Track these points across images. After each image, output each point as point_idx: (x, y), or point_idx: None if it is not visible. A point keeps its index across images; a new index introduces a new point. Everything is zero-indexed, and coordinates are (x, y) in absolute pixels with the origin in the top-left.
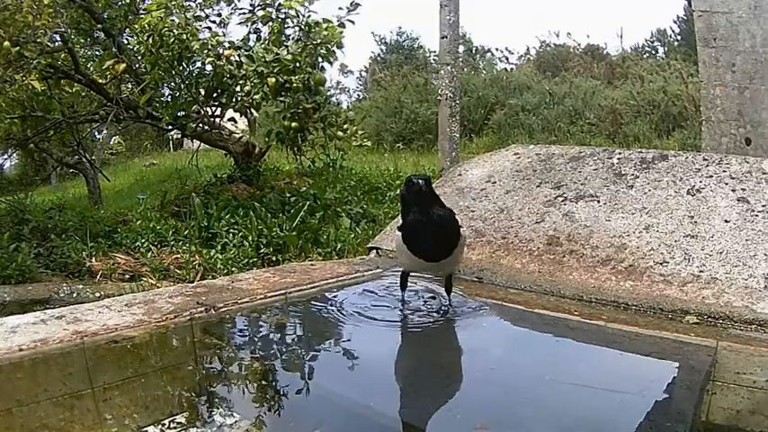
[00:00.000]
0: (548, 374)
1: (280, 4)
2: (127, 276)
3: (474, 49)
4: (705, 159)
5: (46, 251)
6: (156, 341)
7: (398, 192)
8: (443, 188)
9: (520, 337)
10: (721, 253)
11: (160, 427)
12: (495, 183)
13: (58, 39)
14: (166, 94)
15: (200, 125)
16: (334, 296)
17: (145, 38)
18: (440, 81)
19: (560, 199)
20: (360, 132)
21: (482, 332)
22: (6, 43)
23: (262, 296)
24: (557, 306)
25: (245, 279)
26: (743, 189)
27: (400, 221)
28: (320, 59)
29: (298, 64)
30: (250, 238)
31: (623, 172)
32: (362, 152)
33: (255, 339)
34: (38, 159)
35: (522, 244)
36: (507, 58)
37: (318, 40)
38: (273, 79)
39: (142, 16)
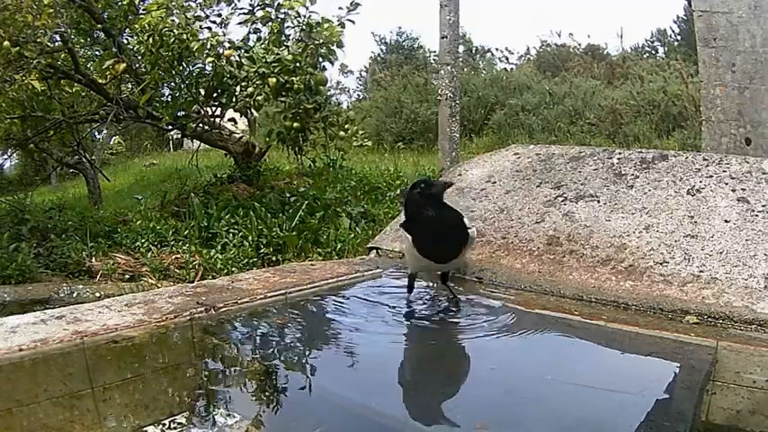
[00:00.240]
0: (548, 374)
1: (279, 5)
2: (127, 276)
3: (474, 49)
4: (705, 159)
5: (46, 251)
6: (156, 341)
7: (400, 192)
8: None
9: (520, 337)
10: (721, 253)
11: (160, 427)
12: (495, 183)
13: (58, 39)
14: (166, 94)
15: (200, 125)
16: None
17: (145, 38)
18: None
19: (560, 199)
20: (360, 132)
21: (482, 332)
22: (6, 43)
23: (262, 296)
24: (557, 306)
25: (245, 279)
26: (743, 189)
27: (400, 221)
28: (321, 59)
29: (298, 64)
30: (250, 238)
31: (623, 172)
32: (362, 152)
33: (255, 339)
34: (38, 159)
35: (522, 244)
36: (507, 58)
37: (320, 40)
38: (274, 80)
39: (142, 16)
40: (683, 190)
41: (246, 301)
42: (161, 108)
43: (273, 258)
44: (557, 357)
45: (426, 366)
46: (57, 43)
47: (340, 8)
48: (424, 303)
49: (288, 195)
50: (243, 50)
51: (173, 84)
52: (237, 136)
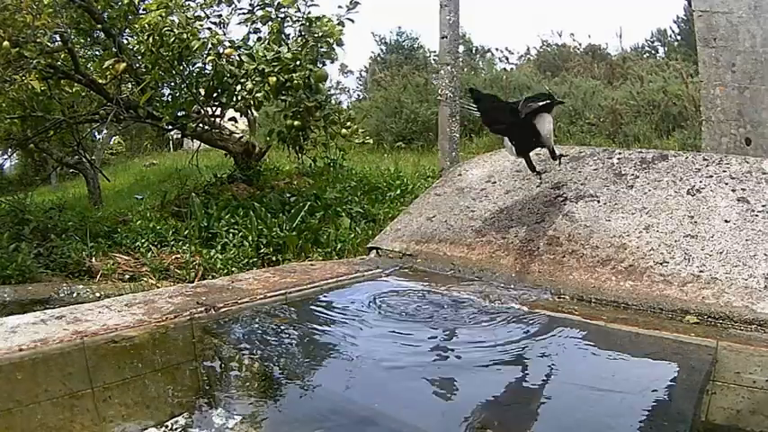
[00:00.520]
0: (548, 374)
1: (279, 4)
2: (127, 276)
3: (474, 49)
4: (705, 159)
5: (46, 251)
6: (156, 341)
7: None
8: (443, 188)
9: (520, 336)
10: (721, 253)
11: (160, 427)
12: (495, 183)
13: (58, 39)
14: (166, 94)
15: (201, 125)
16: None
17: (145, 37)
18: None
19: (560, 199)
20: (361, 131)
21: (482, 333)
22: (6, 43)
23: (262, 296)
24: (557, 306)
25: (245, 279)
26: (743, 189)
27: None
28: (321, 57)
29: (298, 62)
30: (250, 238)
31: (623, 172)
32: (363, 152)
33: (255, 339)
34: (38, 159)
35: (522, 244)
36: (507, 59)
37: (319, 33)
38: (274, 78)
39: (142, 16)
40: (683, 190)
41: (246, 301)
42: (161, 108)
43: (273, 258)
44: (557, 357)
45: (426, 366)
46: (57, 43)
47: (339, 7)
48: (425, 303)
49: (288, 195)
50: (243, 49)
51: (173, 83)
52: (237, 136)
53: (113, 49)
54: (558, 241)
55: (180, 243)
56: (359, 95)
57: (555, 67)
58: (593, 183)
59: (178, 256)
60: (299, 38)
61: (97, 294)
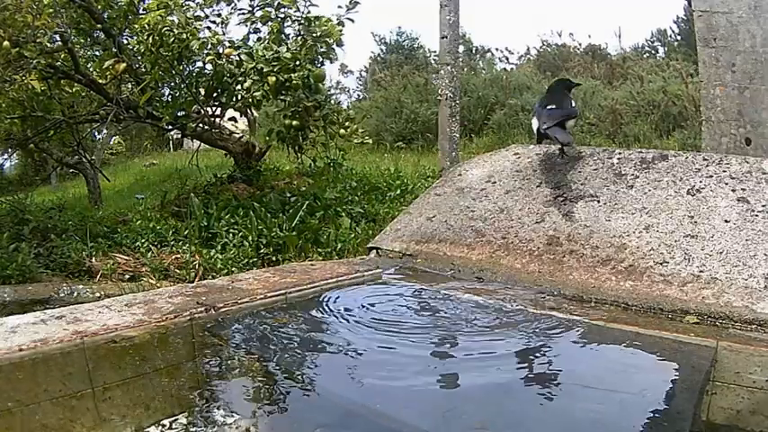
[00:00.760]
0: (548, 374)
1: (279, 4)
2: (127, 276)
3: (474, 49)
4: (705, 159)
5: (46, 251)
6: (156, 341)
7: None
8: (443, 188)
9: (521, 337)
10: (721, 253)
11: (160, 427)
12: (495, 183)
13: (58, 39)
14: (166, 94)
15: (200, 125)
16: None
17: (145, 37)
18: (440, 81)
19: (560, 199)
20: (360, 131)
21: (482, 333)
22: (6, 43)
23: (262, 296)
24: (557, 306)
25: (245, 279)
26: (743, 189)
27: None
28: (320, 57)
29: (298, 62)
30: (250, 238)
31: (623, 172)
32: (363, 152)
33: (255, 339)
34: (38, 159)
35: (522, 244)
36: (507, 58)
37: (318, 33)
38: (274, 78)
39: (142, 16)
40: (683, 190)
41: (246, 301)
42: (161, 108)
43: (273, 258)
44: (557, 357)
45: (426, 366)
46: (57, 43)
47: (339, 7)
48: (425, 303)
49: (288, 195)
50: (242, 49)
51: (173, 83)
52: (237, 136)
53: (113, 49)
54: (558, 241)
55: (180, 243)
56: (359, 95)
57: (555, 67)
58: (593, 183)
59: (178, 256)
60: (299, 38)
61: (97, 294)
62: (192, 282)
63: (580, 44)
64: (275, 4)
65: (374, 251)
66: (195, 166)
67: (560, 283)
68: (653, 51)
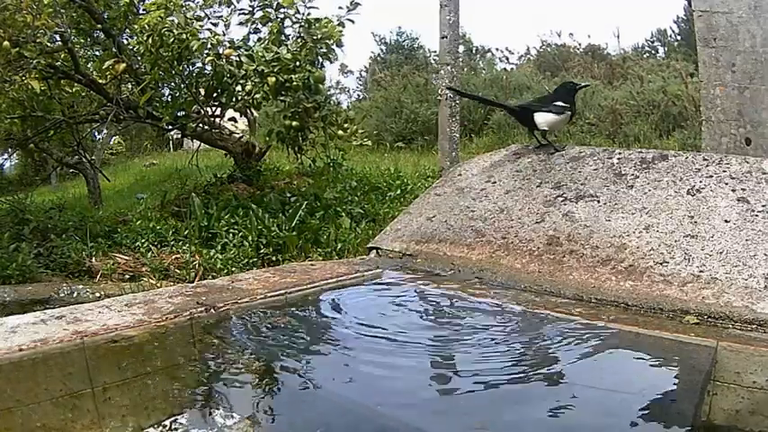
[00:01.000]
0: (547, 374)
1: (279, 5)
2: (127, 276)
3: (474, 49)
4: (705, 159)
5: (46, 251)
6: (156, 341)
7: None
8: (443, 188)
9: (521, 337)
10: (721, 253)
11: (160, 427)
12: (495, 183)
13: (58, 39)
14: (166, 94)
15: (200, 125)
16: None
17: (144, 38)
18: (440, 81)
19: (560, 199)
20: (360, 132)
21: (482, 333)
22: (6, 43)
23: (262, 296)
24: (557, 306)
25: (245, 279)
26: (743, 189)
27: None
28: (320, 58)
29: (298, 63)
30: (250, 238)
31: (623, 172)
32: (363, 152)
33: (255, 339)
34: (38, 159)
35: (522, 244)
36: (507, 58)
37: (318, 35)
38: (274, 78)
39: (142, 16)
40: (683, 190)
41: (246, 301)
42: (161, 108)
43: (273, 258)
44: (556, 357)
45: (427, 366)
46: (57, 43)
47: (340, 8)
48: (425, 303)
49: (288, 195)
50: (242, 50)
51: (173, 84)
52: (237, 136)
53: (113, 49)
54: (558, 241)
55: (180, 243)
56: (359, 95)
57: (555, 67)
58: (593, 183)
59: (178, 256)
60: (299, 39)
61: (97, 294)
62: (192, 282)
63: (580, 44)
64: (274, 4)
65: (374, 251)
66: (195, 166)
67: (560, 284)
68: (653, 51)
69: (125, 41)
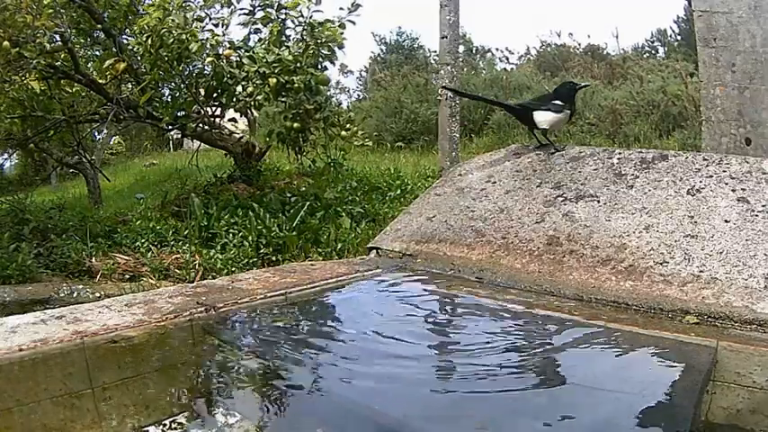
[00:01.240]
0: (547, 374)
1: (280, 5)
2: (127, 276)
3: (474, 49)
4: (705, 159)
5: (46, 251)
6: (156, 341)
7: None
8: (443, 188)
9: (520, 337)
10: (721, 253)
11: (160, 427)
12: (495, 183)
13: (58, 39)
14: (166, 94)
15: (200, 125)
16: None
17: (144, 38)
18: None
19: (560, 199)
20: (360, 132)
21: (482, 333)
22: (6, 43)
23: (262, 296)
24: (557, 306)
25: (245, 279)
26: (743, 189)
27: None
28: (322, 60)
29: (299, 64)
30: (250, 238)
31: (623, 172)
32: (363, 152)
33: (255, 339)
34: (38, 159)
35: (522, 244)
36: (507, 58)
37: (322, 39)
38: (275, 80)
39: (142, 16)
40: (683, 190)
41: (246, 301)
42: (161, 108)
43: (273, 258)
44: (556, 357)
45: (427, 366)
46: (57, 43)
47: (341, 8)
48: (425, 303)
49: (288, 195)
50: (243, 50)
51: (173, 84)
52: (237, 136)
53: (113, 49)
54: (558, 241)
55: (180, 243)
56: (359, 95)
57: (555, 67)
58: (593, 183)
59: (178, 256)
60: (301, 41)
61: (97, 294)
62: (192, 282)
63: (579, 44)
64: (276, 5)
65: (374, 251)
66: (195, 166)
67: (560, 284)
68: (653, 51)
69: (125, 41)
